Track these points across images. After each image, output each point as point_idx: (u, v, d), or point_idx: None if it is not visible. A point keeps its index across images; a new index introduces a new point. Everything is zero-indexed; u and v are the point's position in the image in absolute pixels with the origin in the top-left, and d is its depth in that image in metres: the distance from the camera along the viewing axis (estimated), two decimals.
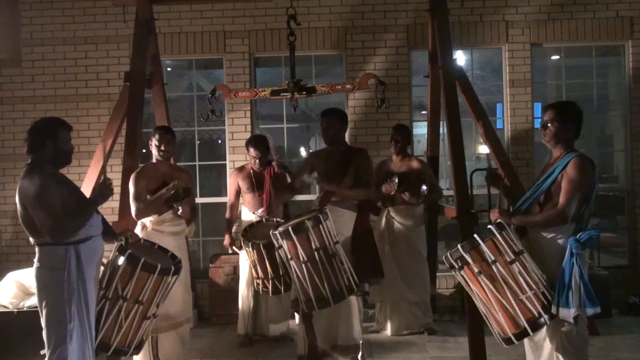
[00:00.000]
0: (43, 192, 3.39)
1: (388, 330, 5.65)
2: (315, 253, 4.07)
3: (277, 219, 5.19)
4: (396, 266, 5.54)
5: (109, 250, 3.75)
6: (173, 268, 3.73)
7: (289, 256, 4.15)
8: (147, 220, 4.52)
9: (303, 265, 4.09)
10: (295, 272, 4.16)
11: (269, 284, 4.90)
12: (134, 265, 3.57)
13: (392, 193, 5.50)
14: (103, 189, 3.62)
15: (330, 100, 7.10)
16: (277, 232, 4.14)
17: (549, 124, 3.57)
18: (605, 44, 6.80)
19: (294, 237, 4.06)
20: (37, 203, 3.38)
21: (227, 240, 5.64)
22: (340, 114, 4.86)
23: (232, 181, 5.69)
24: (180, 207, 4.53)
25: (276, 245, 4.25)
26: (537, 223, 3.54)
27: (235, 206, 5.69)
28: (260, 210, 5.48)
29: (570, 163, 3.45)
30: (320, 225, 4.09)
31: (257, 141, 5.56)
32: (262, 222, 5.33)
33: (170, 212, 4.55)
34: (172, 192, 4.41)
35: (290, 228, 4.07)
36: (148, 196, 4.48)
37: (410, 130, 5.82)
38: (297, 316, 5.15)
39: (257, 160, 5.49)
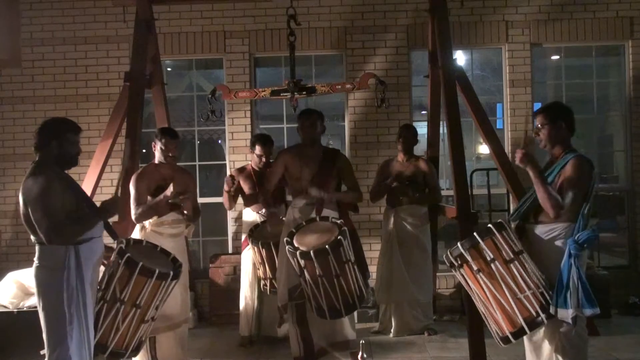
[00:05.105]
0: (45, 193, 3.39)
1: (391, 332, 5.64)
2: (332, 270, 4.04)
3: (282, 218, 5.16)
4: (405, 268, 5.52)
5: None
6: (172, 273, 3.71)
7: (304, 270, 4.12)
8: (147, 222, 4.52)
9: (318, 278, 4.07)
10: (310, 283, 4.14)
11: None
12: (132, 270, 3.57)
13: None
14: (111, 206, 3.65)
15: (330, 100, 7.10)
16: (296, 252, 4.08)
17: (541, 129, 3.60)
18: (605, 44, 6.80)
19: (314, 260, 4.02)
20: (37, 202, 3.38)
21: (261, 206, 5.41)
22: (321, 114, 4.82)
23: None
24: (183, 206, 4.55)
25: (290, 257, 4.23)
26: (541, 189, 3.43)
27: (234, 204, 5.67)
28: (264, 211, 5.41)
29: (568, 163, 3.47)
30: (341, 248, 4.05)
31: (265, 139, 5.54)
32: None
33: (171, 214, 4.55)
34: (169, 200, 4.42)
35: (312, 253, 4.01)
36: (149, 197, 4.49)
37: (416, 130, 5.82)
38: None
39: (263, 160, 5.46)
